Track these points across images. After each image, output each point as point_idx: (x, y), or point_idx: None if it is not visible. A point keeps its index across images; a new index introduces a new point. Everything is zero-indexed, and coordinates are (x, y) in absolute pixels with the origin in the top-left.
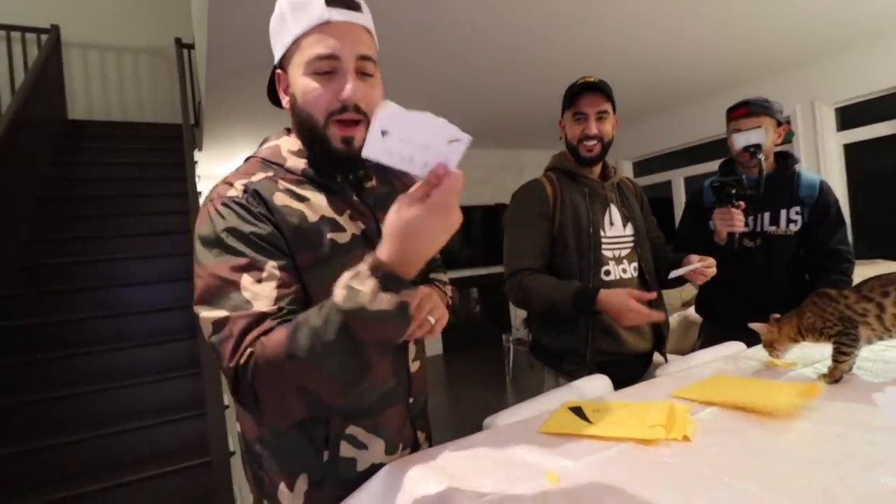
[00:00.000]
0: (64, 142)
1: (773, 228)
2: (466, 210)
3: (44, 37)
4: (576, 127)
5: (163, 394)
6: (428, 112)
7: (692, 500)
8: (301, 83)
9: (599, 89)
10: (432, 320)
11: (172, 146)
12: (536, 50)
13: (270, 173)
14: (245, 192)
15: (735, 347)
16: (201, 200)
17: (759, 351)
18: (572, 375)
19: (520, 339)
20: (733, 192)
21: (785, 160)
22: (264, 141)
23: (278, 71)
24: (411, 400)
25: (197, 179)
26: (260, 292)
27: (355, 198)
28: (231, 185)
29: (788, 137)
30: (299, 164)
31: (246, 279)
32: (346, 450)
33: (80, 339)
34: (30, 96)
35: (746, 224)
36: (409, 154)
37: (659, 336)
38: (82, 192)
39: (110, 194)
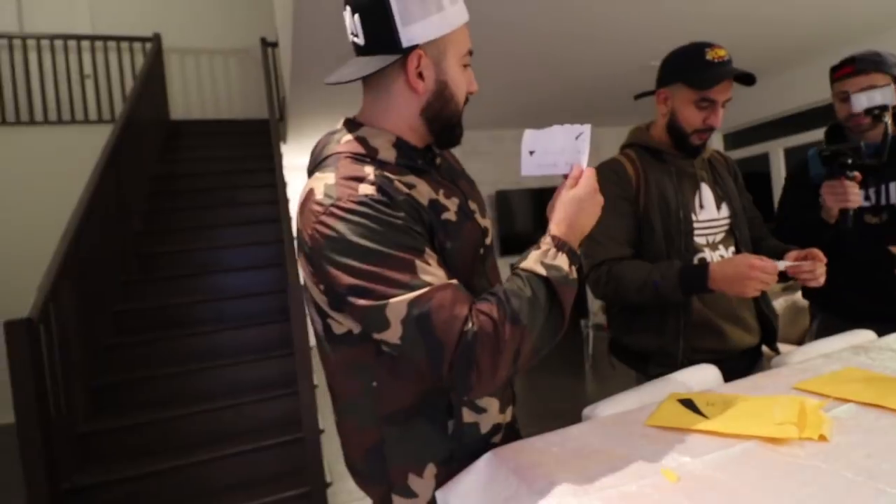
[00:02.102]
0: (167, 140)
1: None
2: (541, 191)
3: (147, 45)
4: (698, 113)
5: (259, 373)
6: (554, 125)
7: None
8: (456, 71)
9: (739, 77)
10: None
11: (260, 140)
12: (613, 19)
13: (373, 166)
14: (380, 188)
15: (864, 336)
16: (288, 191)
17: (894, 341)
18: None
19: (598, 324)
20: (849, 161)
21: None
22: (326, 140)
23: (419, 51)
24: None
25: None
26: (437, 273)
27: (439, 177)
28: (352, 185)
29: None
30: (391, 154)
31: (420, 264)
32: (468, 416)
33: (186, 321)
34: (138, 100)
35: (866, 198)
36: (552, 161)
37: (768, 328)
38: (184, 186)
39: (208, 187)
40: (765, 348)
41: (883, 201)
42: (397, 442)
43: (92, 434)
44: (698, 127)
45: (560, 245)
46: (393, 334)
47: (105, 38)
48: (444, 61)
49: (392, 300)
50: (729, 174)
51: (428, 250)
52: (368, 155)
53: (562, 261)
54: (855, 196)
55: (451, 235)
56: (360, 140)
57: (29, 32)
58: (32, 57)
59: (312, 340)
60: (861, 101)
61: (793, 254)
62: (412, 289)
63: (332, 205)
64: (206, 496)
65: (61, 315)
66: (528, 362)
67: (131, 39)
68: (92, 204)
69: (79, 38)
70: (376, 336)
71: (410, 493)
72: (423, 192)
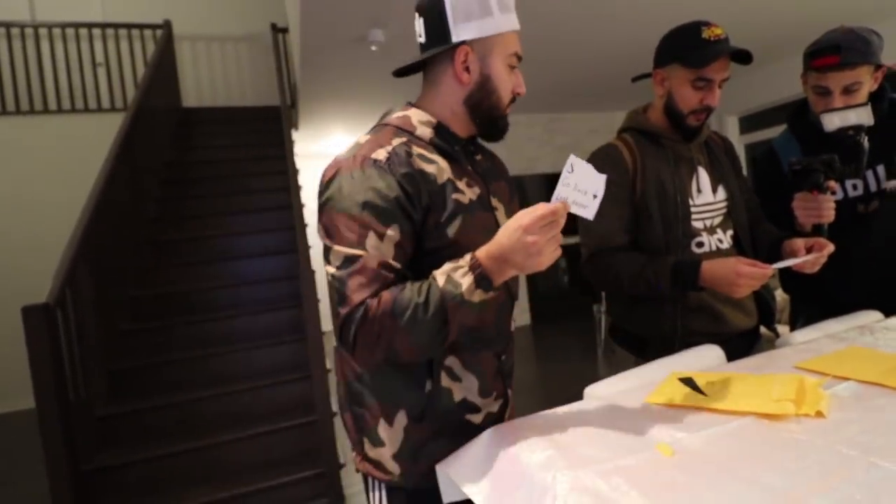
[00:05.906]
0: (179, 128)
1: (893, 183)
2: (555, 176)
3: (158, 32)
4: (693, 94)
5: (273, 357)
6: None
7: (830, 480)
8: (500, 69)
9: (736, 55)
10: None
11: (272, 127)
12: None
13: (404, 139)
14: (389, 158)
15: (869, 317)
16: (300, 179)
17: None
18: None
19: None
20: (822, 179)
21: (881, 99)
22: (388, 112)
23: (465, 46)
24: (503, 357)
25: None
26: (381, 248)
27: (469, 167)
28: (376, 147)
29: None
30: (427, 132)
31: (373, 236)
32: (444, 380)
33: (200, 306)
34: (150, 88)
35: (854, 187)
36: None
37: (766, 310)
38: (196, 173)
39: (220, 174)
40: (763, 329)
41: (873, 187)
42: (374, 383)
43: (111, 417)
44: (695, 107)
45: (474, 267)
46: (329, 270)
47: (116, 26)
48: (489, 58)
49: (334, 247)
50: (726, 156)
51: (395, 226)
52: (408, 129)
53: (465, 281)
54: (829, 211)
55: (456, 213)
56: (405, 117)
57: (41, 21)
58: (45, 46)
59: (325, 326)
60: (833, 122)
61: (799, 243)
62: (353, 247)
63: (346, 159)
64: (223, 476)
65: (78, 300)
66: (412, 356)
67: (142, 27)
68: (106, 191)
69: (90, 25)
70: (325, 267)
71: (378, 442)
72: (444, 171)
